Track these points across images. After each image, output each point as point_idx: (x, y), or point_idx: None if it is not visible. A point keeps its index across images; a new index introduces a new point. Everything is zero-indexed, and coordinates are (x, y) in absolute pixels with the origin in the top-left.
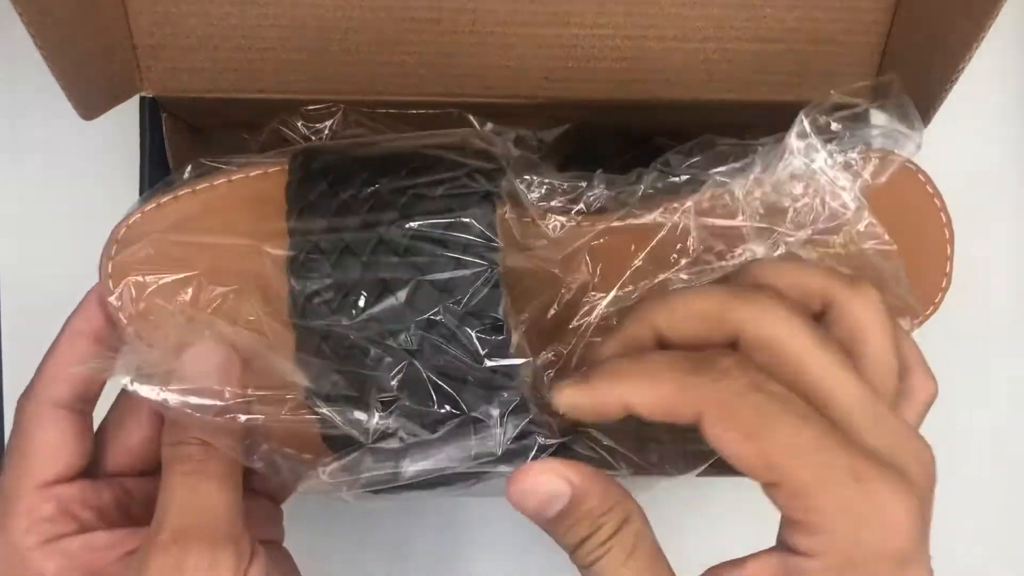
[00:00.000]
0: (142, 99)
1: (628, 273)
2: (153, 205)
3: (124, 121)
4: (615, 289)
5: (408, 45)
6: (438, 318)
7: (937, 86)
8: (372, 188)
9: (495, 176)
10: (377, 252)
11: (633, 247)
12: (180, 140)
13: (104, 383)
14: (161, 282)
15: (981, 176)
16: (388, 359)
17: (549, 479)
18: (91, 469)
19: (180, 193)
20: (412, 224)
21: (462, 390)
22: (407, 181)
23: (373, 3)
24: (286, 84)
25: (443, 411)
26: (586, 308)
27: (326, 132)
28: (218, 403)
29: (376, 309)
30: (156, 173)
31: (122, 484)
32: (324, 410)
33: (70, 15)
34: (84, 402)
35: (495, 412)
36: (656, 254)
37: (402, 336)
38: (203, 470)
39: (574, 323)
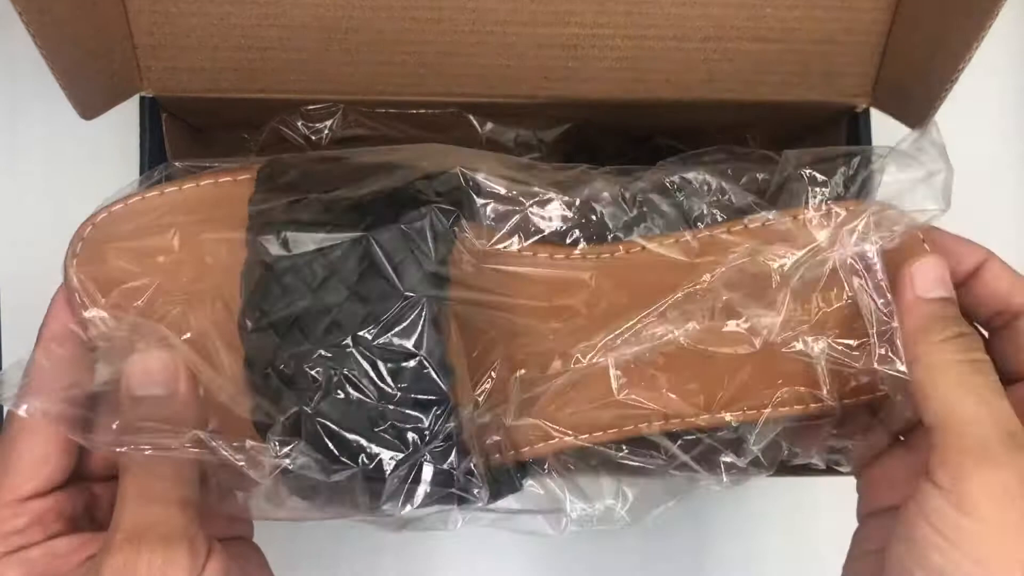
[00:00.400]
0: (142, 99)
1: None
2: (120, 205)
3: (124, 121)
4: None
5: (408, 45)
6: (362, 349)
7: (937, 86)
8: (329, 213)
9: (455, 207)
10: (327, 282)
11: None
12: (180, 140)
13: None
14: (121, 287)
15: (981, 176)
16: (299, 391)
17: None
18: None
19: (148, 194)
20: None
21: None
22: (367, 213)
23: (373, 3)
24: (286, 84)
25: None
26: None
27: (326, 132)
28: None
29: (315, 335)
30: None
31: (90, 489)
32: (216, 443)
33: (70, 15)
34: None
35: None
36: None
37: (317, 367)
38: (155, 471)
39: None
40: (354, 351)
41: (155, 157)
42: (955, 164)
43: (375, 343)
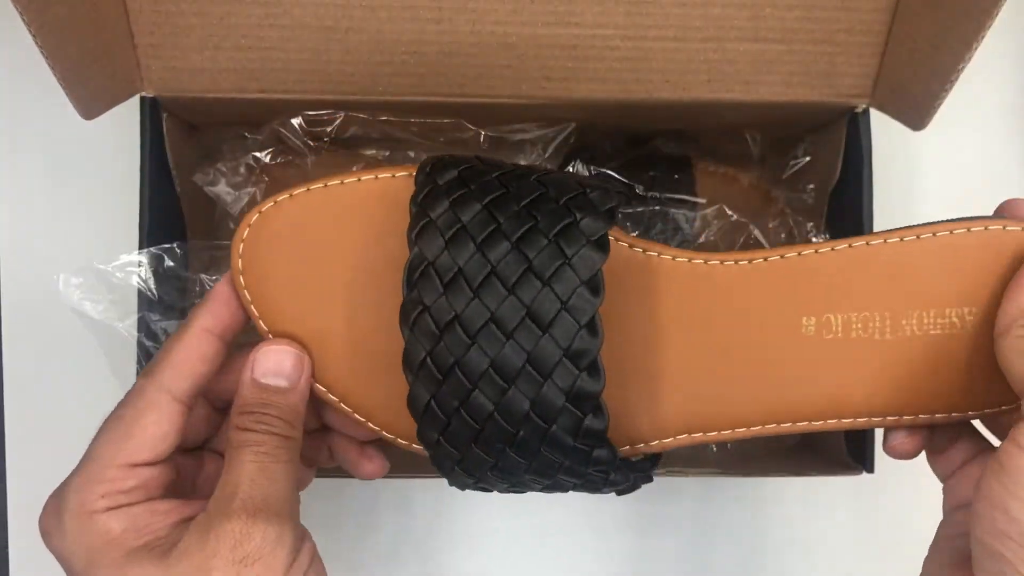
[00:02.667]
0: (142, 99)
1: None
2: (286, 196)
3: (124, 121)
4: None
5: (408, 45)
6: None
7: (937, 86)
8: (491, 217)
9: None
10: (486, 284)
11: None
12: (180, 140)
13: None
14: (283, 276)
15: (981, 175)
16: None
17: None
18: None
19: (313, 187)
20: (526, 256)
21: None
22: (526, 219)
23: (373, 3)
24: (286, 84)
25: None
26: None
27: (325, 138)
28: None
29: (472, 332)
30: (156, 173)
31: (173, 460)
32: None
33: (70, 15)
34: (196, 398)
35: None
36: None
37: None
38: (275, 454)
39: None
40: (510, 349)
41: (155, 157)
42: (955, 164)
43: (531, 343)
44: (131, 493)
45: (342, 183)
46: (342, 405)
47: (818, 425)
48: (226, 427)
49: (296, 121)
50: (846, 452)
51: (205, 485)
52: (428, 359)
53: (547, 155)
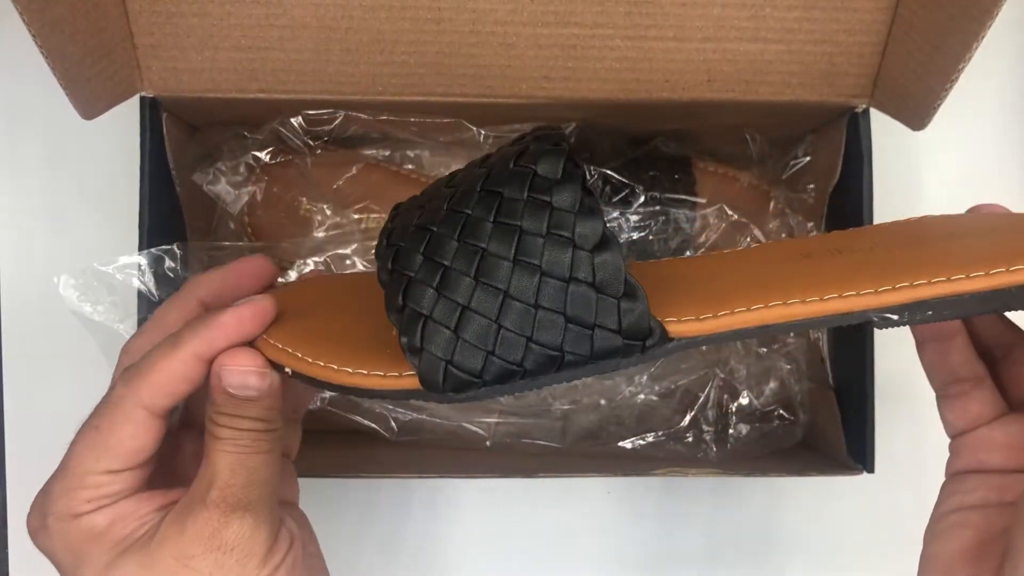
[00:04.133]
0: (142, 99)
1: None
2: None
3: (124, 121)
4: None
5: (408, 45)
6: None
7: (937, 86)
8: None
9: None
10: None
11: None
12: (180, 140)
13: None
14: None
15: (981, 175)
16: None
17: None
18: None
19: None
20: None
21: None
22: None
23: (373, 3)
24: (286, 84)
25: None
26: None
27: (325, 138)
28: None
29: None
30: (156, 173)
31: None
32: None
33: (70, 15)
34: (173, 411)
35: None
36: None
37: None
38: (254, 446)
39: None
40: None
41: (155, 157)
42: (955, 164)
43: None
44: (117, 495)
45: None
46: (318, 363)
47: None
48: (202, 402)
49: (296, 121)
50: (846, 452)
51: (183, 466)
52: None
53: None
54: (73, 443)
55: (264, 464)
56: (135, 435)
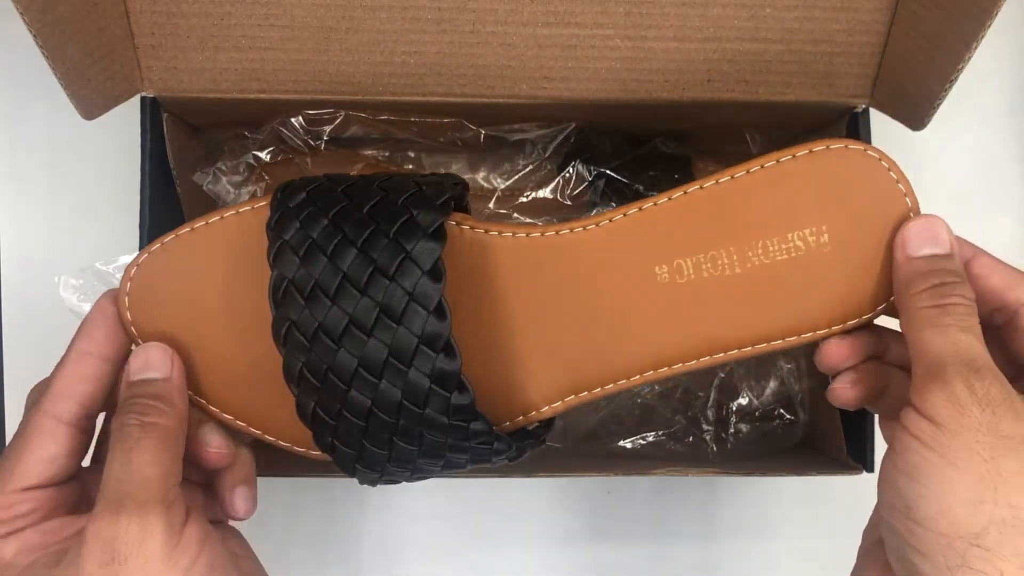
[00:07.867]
0: (142, 99)
1: None
2: (157, 245)
3: (124, 121)
4: None
5: (408, 45)
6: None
7: (937, 86)
8: (337, 228)
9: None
10: (341, 290)
11: None
12: (180, 140)
13: (105, 400)
14: (167, 318)
15: (981, 175)
16: (359, 401)
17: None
18: None
19: (181, 232)
20: (372, 257)
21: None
22: (368, 223)
23: (373, 3)
24: (286, 84)
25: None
26: None
27: (325, 136)
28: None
29: (344, 340)
30: (156, 173)
31: (80, 479)
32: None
33: (71, 15)
34: (87, 419)
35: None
36: None
37: (369, 384)
38: (137, 445)
39: None
40: (372, 345)
41: (155, 157)
42: (955, 164)
43: (389, 336)
44: (27, 517)
45: (207, 223)
46: (239, 423)
47: (692, 364)
48: None
49: (296, 120)
50: (846, 452)
51: None
52: (304, 369)
53: (547, 155)
54: None
55: (151, 463)
56: (44, 444)
